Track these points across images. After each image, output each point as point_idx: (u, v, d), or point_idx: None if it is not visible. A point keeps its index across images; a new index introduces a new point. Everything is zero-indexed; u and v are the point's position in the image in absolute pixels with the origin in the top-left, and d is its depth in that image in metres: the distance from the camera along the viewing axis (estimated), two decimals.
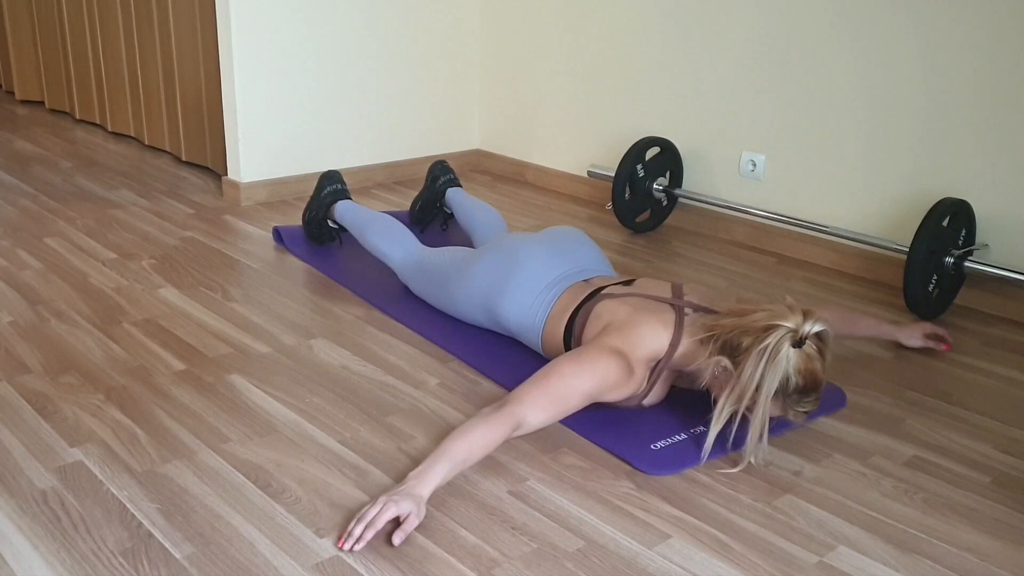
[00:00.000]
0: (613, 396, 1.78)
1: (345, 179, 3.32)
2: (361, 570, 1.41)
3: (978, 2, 2.43)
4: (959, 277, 2.52)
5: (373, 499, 1.57)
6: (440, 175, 2.94)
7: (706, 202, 3.08)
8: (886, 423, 1.93)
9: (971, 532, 1.57)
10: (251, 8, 3.12)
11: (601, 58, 3.38)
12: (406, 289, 2.48)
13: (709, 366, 1.72)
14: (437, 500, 1.58)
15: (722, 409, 1.69)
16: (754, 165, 3.01)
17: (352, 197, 2.88)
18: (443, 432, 1.81)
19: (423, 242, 2.74)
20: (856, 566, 1.47)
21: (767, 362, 1.62)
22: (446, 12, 3.66)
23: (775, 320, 1.64)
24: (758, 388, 1.63)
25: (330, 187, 2.75)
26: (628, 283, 2.01)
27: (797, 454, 1.79)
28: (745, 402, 1.66)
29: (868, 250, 2.78)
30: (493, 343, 2.20)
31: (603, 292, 1.95)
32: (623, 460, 1.74)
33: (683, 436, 1.82)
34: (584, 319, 1.92)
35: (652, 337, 1.79)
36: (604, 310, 1.89)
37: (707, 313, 1.85)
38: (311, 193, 3.08)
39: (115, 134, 4.23)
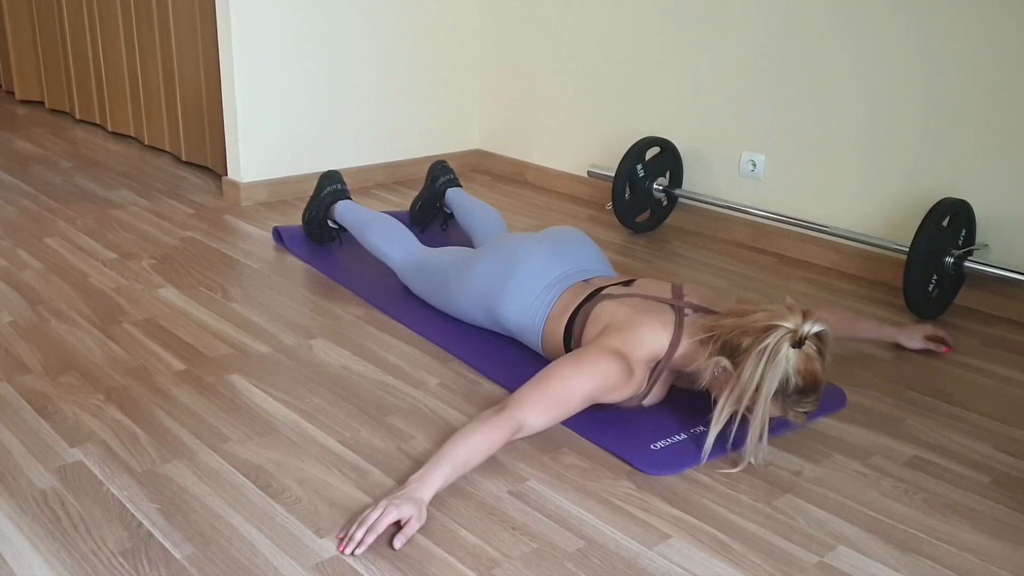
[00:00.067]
0: (613, 397, 1.78)
1: (345, 179, 3.32)
2: (361, 570, 1.41)
3: (978, 2, 2.43)
4: (959, 277, 2.52)
5: (374, 502, 1.57)
6: (440, 175, 2.94)
7: (706, 202, 3.08)
8: (886, 423, 1.93)
9: (971, 532, 1.57)
10: (251, 8, 3.12)
11: (601, 58, 3.38)
12: (406, 289, 2.48)
13: (709, 366, 1.72)
14: (437, 500, 1.58)
15: (722, 409, 1.69)
16: (754, 165, 3.01)
17: (352, 197, 2.88)
18: (443, 432, 1.81)
19: (423, 242, 2.74)
20: (856, 566, 1.47)
21: (767, 362, 1.62)
22: (446, 12, 3.66)
23: (775, 320, 1.64)
24: (758, 388, 1.63)
25: (330, 187, 2.75)
26: (628, 283, 2.01)
27: (797, 454, 1.79)
28: (745, 402, 1.66)
29: (868, 250, 2.78)
30: (493, 343, 2.20)
31: (603, 292, 1.95)
32: (623, 460, 1.74)
33: (683, 436, 1.82)
34: (584, 319, 1.92)
35: (652, 338, 1.79)
36: (604, 311, 1.89)
37: (707, 314, 1.84)
38: (311, 193, 3.08)
39: (115, 134, 4.23)
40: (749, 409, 1.67)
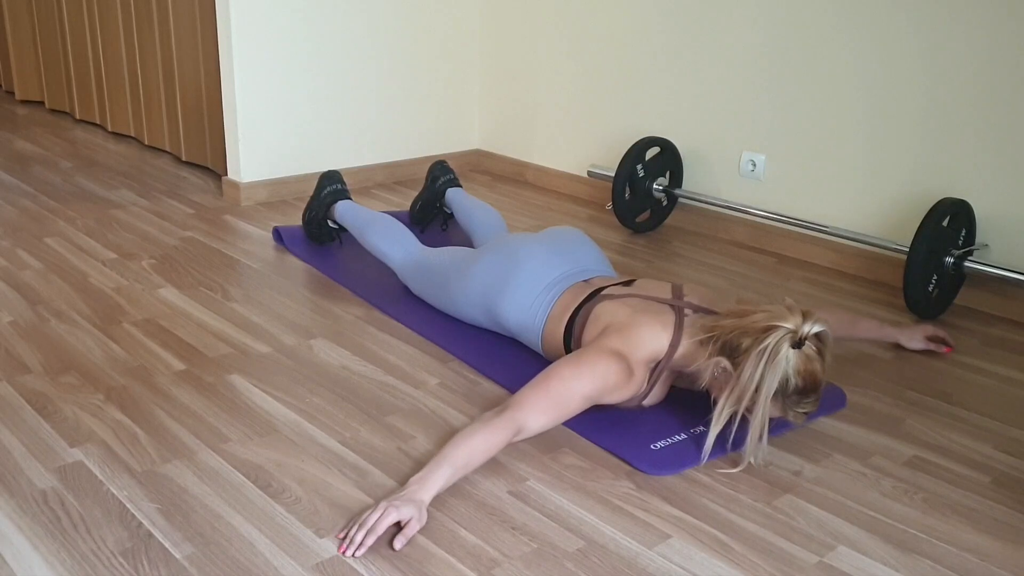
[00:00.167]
0: (614, 398, 1.78)
1: (345, 179, 3.32)
2: (361, 570, 1.41)
3: (978, 2, 2.43)
4: (959, 277, 2.52)
5: (374, 503, 1.57)
6: (440, 175, 2.94)
7: (706, 202, 3.08)
8: (886, 423, 1.93)
9: (971, 532, 1.57)
10: (251, 8, 3.12)
11: (601, 58, 3.38)
12: (406, 289, 2.48)
13: (709, 367, 1.72)
14: (437, 500, 1.58)
15: (722, 410, 1.69)
16: (754, 165, 3.01)
17: (352, 197, 2.88)
18: (443, 432, 1.81)
19: (423, 242, 2.74)
20: (856, 566, 1.47)
21: (766, 363, 1.62)
22: (446, 12, 3.66)
23: (774, 321, 1.64)
24: (757, 389, 1.63)
25: (330, 187, 2.75)
26: (628, 284, 2.01)
27: (797, 454, 1.79)
28: (745, 403, 1.66)
29: (868, 250, 2.78)
30: (493, 343, 2.20)
31: (603, 293, 1.95)
32: (623, 460, 1.74)
33: (683, 436, 1.82)
34: (584, 320, 1.92)
35: (652, 338, 1.79)
36: (604, 311, 1.89)
37: (707, 314, 1.84)
38: (311, 193, 3.08)
39: (115, 134, 4.23)
40: (749, 409, 1.67)
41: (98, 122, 4.32)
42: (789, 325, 1.63)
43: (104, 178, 3.52)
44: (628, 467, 1.72)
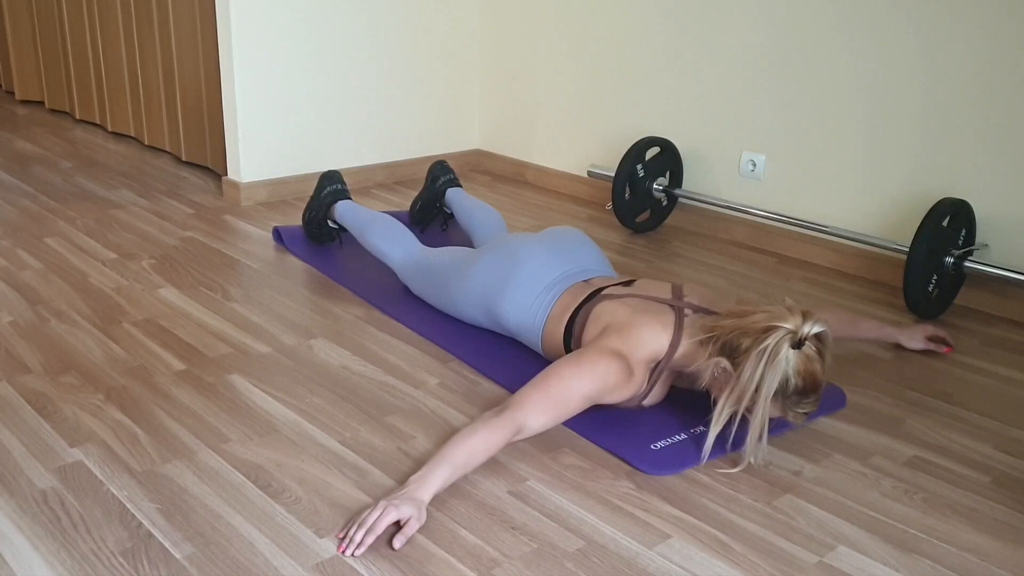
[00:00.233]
0: (614, 398, 1.78)
1: (345, 179, 3.32)
2: (361, 570, 1.41)
3: (978, 2, 2.43)
4: (959, 277, 2.52)
5: (374, 503, 1.57)
6: (440, 175, 2.94)
7: (706, 202, 3.08)
8: (886, 423, 1.93)
9: (971, 532, 1.57)
10: (251, 8, 3.12)
11: (601, 58, 3.38)
12: (406, 289, 2.48)
13: (709, 367, 1.72)
14: (437, 500, 1.58)
15: (722, 410, 1.69)
16: (754, 165, 3.01)
17: (352, 197, 2.88)
18: (443, 432, 1.81)
19: (423, 242, 2.74)
20: (856, 566, 1.47)
21: (766, 363, 1.62)
22: (446, 12, 3.66)
23: (774, 321, 1.64)
24: (757, 389, 1.63)
25: (330, 187, 2.75)
26: (628, 284, 2.01)
27: (797, 454, 1.79)
28: (745, 403, 1.66)
29: (868, 250, 2.78)
30: (493, 343, 2.20)
31: (603, 293, 1.95)
32: (623, 460, 1.74)
33: (683, 436, 1.82)
34: (584, 320, 1.92)
35: (652, 338, 1.79)
36: (604, 311, 1.89)
37: (707, 314, 1.84)
38: (311, 193, 3.08)
39: (115, 134, 4.23)
40: (749, 410, 1.67)
41: (98, 122, 4.32)
42: (789, 325, 1.63)
43: (104, 178, 3.52)
44: (628, 467, 1.72)
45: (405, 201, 3.39)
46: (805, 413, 1.70)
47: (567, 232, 2.20)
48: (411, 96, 3.66)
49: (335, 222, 2.77)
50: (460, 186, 2.93)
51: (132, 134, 4.11)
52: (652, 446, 1.77)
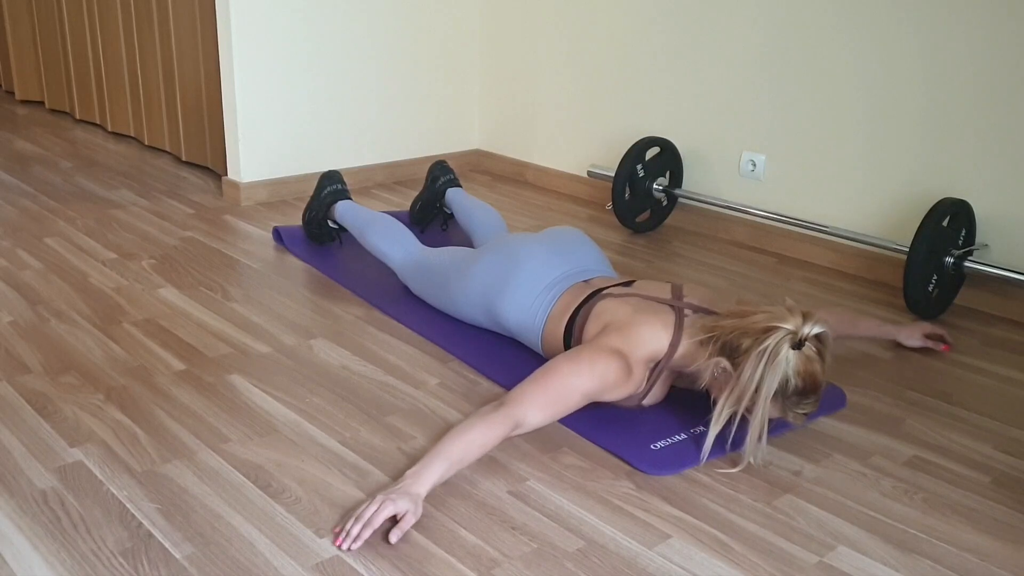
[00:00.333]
0: (612, 396, 1.78)
1: (345, 179, 3.32)
2: (361, 570, 1.41)
3: (978, 2, 2.43)
4: (959, 277, 2.52)
5: (370, 497, 1.57)
6: (440, 175, 2.94)
7: (706, 202, 3.08)
8: (886, 423, 1.93)
9: (971, 532, 1.57)
10: (251, 8, 3.12)
11: (601, 58, 3.38)
12: (406, 289, 2.48)
13: (709, 367, 1.72)
14: (437, 500, 1.58)
15: (721, 410, 1.69)
16: (754, 165, 3.01)
17: (352, 197, 2.88)
18: (443, 432, 1.81)
19: (423, 242, 2.74)
20: (856, 566, 1.47)
21: (766, 364, 1.62)
22: (446, 12, 3.66)
23: (775, 322, 1.64)
24: (757, 389, 1.63)
25: (330, 187, 2.75)
26: (628, 284, 2.01)
27: (797, 454, 1.79)
28: (744, 403, 1.66)
29: (868, 250, 2.78)
30: (493, 343, 2.20)
31: (603, 293, 1.95)
32: (623, 460, 1.74)
33: (683, 436, 1.82)
34: (584, 319, 1.92)
35: (651, 338, 1.79)
36: (604, 310, 1.89)
37: (707, 314, 1.84)
38: (311, 193, 3.08)
39: (115, 134, 4.23)
40: (749, 410, 1.67)
41: (98, 122, 4.32)
42: (789, 326, 1.63)
43: (104, 178, 3.52)
44: (628, 467, 1.72)
45: (405, 201, 3.39)
46: (805, 413, 1.70)
47: (567, 232, 2.20)
48: (411, 96, 3.66)
49: (335, 222, 2.77)
50: (460, 186, 2.93)
51: (132, 134, 4.11)
52: (652, 446, 1.77)
